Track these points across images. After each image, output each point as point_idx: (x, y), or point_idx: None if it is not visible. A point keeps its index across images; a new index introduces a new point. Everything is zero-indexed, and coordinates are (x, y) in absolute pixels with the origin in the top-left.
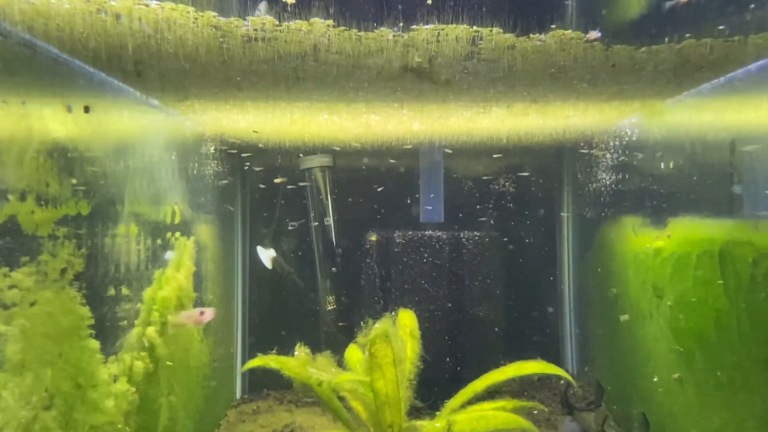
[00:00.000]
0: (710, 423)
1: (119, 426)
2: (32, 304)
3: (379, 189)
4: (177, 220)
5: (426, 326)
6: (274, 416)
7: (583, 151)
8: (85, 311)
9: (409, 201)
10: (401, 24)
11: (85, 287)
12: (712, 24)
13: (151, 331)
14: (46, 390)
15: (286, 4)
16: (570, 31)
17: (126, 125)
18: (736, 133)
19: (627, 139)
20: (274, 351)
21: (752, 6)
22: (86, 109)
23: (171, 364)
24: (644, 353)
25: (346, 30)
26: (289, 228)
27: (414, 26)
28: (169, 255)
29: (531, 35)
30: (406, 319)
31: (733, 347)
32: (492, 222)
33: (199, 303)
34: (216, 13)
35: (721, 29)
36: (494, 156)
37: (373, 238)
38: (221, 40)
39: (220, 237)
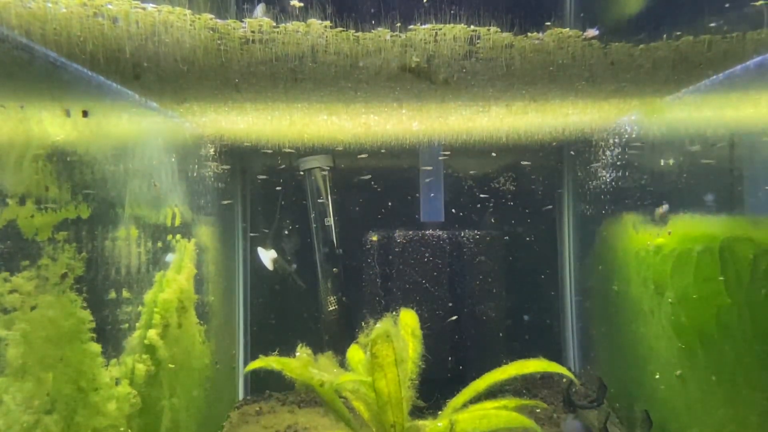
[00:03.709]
0: (712, 419)
1: (122, 429)
2: (33, 309)
3: (379, 189)
4: (177, 222)
5: (427, 326)
6: (277, 417)
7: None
8: (86, 315)
9: (409, 200)
10: (399, 24)
11: (86, 291)
12: (709, 20)
13: (152, 333)
14: (47, 394)
15: (284, 6)
16: (568, 29)
17: (125, 128)
18: (735, 130)
19: (626, 136)
20: (276, 352)
21: (727, 5)
22: (84, 114)
23: (173, 366)
24: (646, 350)
25: (343, 31)
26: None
27: (412, 26)
28: (169, 257)
29: (529, 34)
30: (408, 319)
31: (735, 343)
32: (493, 220)
33: (200, 305)
34: (213, 16)
35: (715, 26)
36: (492, 154)
37: (374, 237)
38: (219, 42)
39: (221, 238)
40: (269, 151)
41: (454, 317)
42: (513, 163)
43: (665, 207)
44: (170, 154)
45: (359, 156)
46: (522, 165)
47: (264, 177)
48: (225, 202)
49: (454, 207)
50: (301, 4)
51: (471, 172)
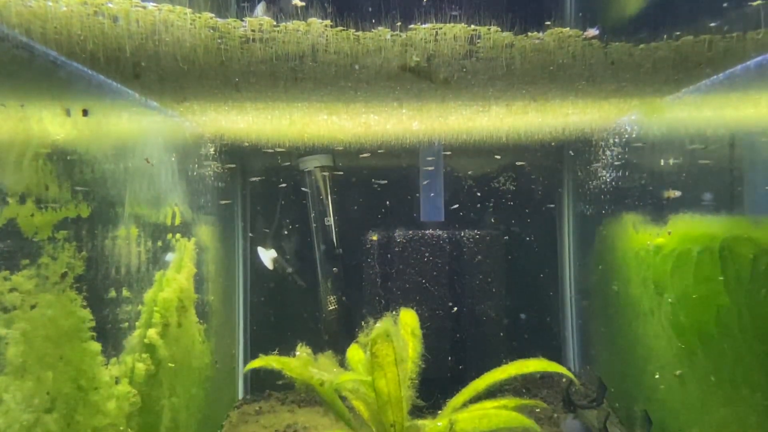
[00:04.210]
0: (712, 419)
1: (121, 428)
2: (33, 307)
3: (379, 189)
4: (177, 221)
5: (427, 325)
6: (277, 417)
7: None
8: (86, 314)
9: (409, 200)
10: (399, 23)
11: (86, 289)
12: (709, 20)
13: (152, 332)
14: (47, 393)
15: (283, 5)
16: (568, 28)
17: (125, 127)
18: (735, 130)
19: (627, 136)
20: (276, 351)
21: (725, 5)
22: (84, 113)
23: (173, 365)
24: (646, 350)
25: (343, 30)
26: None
27: (412, 25)
28: (169, 256)
29: (529, 33)
30: (408, 318)
31: (735, 343)
32: (492, 220)
33: (200, 304)
34: (213, 15)
35: (715, 26)
36: (496, 157)
37: (374, 237)
38: (219, 41)
39: (221, 238)
40: (270, 151)
41: (455, 309)
42: (513, 163)
43: (678, 193)
44: (170, 153)
45: (361, 155)
46: (522, 165)
47: (258, 178)
48: (223, 201)
49: (453, 206)
50: (303, 4)
51: (470, 172)
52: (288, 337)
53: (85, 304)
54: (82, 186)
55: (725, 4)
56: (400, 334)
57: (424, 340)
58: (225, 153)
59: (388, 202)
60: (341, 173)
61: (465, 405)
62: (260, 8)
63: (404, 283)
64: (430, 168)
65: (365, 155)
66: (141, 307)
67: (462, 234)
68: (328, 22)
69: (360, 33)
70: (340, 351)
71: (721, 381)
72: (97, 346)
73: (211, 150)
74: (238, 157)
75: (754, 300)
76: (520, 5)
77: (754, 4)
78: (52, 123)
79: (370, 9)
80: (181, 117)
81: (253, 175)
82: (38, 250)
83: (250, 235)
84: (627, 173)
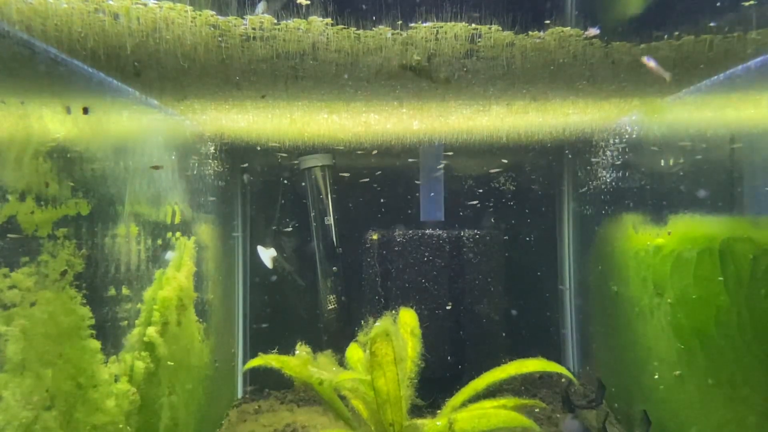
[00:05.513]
0: (711, 419)
1: (120, 426)
2: (32, 305)
3: (379, 188)
4: (177, 220)
5: (427, 325)
6: (276, 416)
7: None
8: (86, 311)
9: (409, 199)
10: (400, 22)
11: (86, 287)
12: (709, 20)
13: (151, 331)
14: (46, 390)
15: (284, 3)
16: (569, 28)
17: (125, 125)
18: (735, 130)
19: (627, 136)
20: (275, 350)
21: (718, 4)
22: (85, 111)
23: (172, 364)
24: (645, 351)
25: (344, 28)
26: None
27: (413, 24)
28: (169, 255)
29: (530, 33)
30: (407, 318)
31: (734, 344)
32: (492, 220)
33: (199, 303)
34: (214, 12)
35: (716, 26)
36: (503, 161)
37: (374, 236)
38: (220, 39)
39: (221, 236)
40: (284, 154)
41: (454, 308)
42: (514, 162)
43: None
44: (170, 151)
45: (372, 152)
46: (523, 164)
47: (252, 178)
48: (211, 198)
49: (454, 206)
50: (308, 2)
51: (471, 171)
52: (288, 336)
53: (84, 301)
54: (82, 184)
55: (718, 3)
56: (400, 334)
57: (424, 340)
58: (225, 151)
59: (390, 202)
60: (343, 174)
61: (464, 404)
62: (261, 6)
63: (404, 283)
64: (440, 167)
65: (373, 152)
66: (140, 306)
67: (462, 233)
68: (328, 20)
69: (361, 31)
70: (339, 350)
71: (721, 381)
72: (96, 344)
73: (212, 149)
74: (237, 155)
75: (753, 300)
76: (521, 4)
77: (746, 4)
78: (52, 121)
79: (364, 6)
80: (181, 115)
81: (254, 174)
82: (38, 248)
83: (237, 234)
84: (627, 173)
